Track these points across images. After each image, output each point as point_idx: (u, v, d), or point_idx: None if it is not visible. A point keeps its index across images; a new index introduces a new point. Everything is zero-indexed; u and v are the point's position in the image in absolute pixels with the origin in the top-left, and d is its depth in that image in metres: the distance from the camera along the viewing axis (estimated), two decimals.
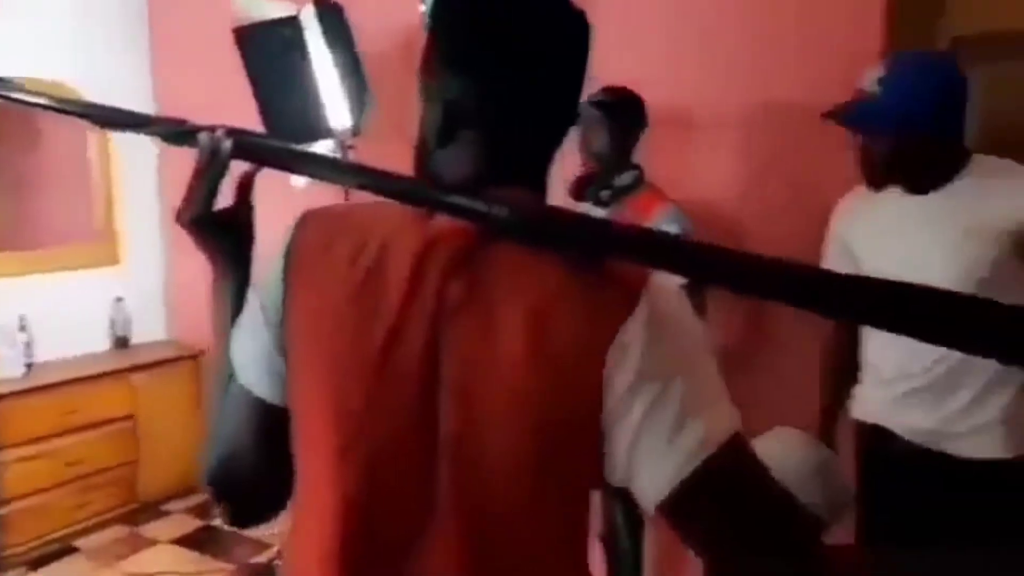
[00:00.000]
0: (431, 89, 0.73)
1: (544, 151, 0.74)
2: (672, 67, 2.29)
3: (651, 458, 0.61)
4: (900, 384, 1.62)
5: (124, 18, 3.60)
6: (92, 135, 3.48)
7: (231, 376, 0.76)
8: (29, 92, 0.97)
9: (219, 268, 0.84)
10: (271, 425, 0.73)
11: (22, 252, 3.26)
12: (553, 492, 0.65)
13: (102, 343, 3.52)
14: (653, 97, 2.06)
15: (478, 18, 0.71)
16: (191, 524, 3.26)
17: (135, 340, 3.60)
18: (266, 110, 2.60)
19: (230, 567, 2.97)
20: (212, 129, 0.82)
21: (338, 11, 2.63)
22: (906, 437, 1.63)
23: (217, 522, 3.28)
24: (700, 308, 1.77)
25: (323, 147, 2.72)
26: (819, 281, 0.59)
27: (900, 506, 1.61)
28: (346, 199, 2.55)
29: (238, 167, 0.83)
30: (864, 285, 0.58)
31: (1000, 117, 1.92)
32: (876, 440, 1.68)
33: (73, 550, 3.05)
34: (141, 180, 3.65)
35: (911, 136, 1.51)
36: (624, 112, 2.04)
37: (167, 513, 3.34)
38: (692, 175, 2.31)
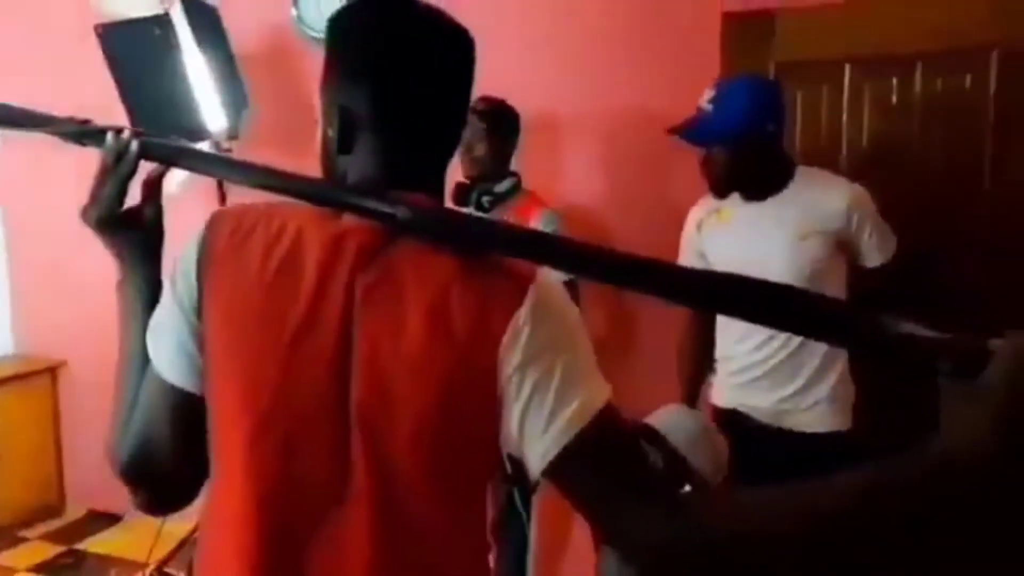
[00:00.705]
0: (331, 98, 0.79)
1: (439, 157, 0.81)
2: (538, 77, 2.44)
3: (537, 429, 0.70)
4: (749, 372, 1.86)
5: None
6: None
7: (147, 367, 0.78)
8: None
9: (126, 266, 0.85)
10: (187, 414, 0.77)
11: None
12: (455, 464, 0.73)
13: None
14: (524, 106, 2.19)
15: (374, 33, 0.78)
16: (51, 550, 3.05)
17: None
18: (135, 111, 2.50)
19: None
20: (119, 130, 0.83)
21: (209, 10, 2.57)
22: (754, 417, 1.85)
23: (81, 545, 3.09)
24: (575, 299, 1.91)
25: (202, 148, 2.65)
26: (672, 274, 0.71)
27: (752, 476, 1.82)
28: (222, 202, 2.50)
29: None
30: (708, 277, 0.71)
31: (814, 132, 2.20)
32: (731, 421, 1.89)
33: None
34: None
35: (741, 148, 1.74)
36: (502, 121, 2.16)
37: (24, 539, 3.10)
38: (563, 181, 2.47)
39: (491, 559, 0.87)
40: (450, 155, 0.82)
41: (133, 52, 2.50)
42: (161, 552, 2.63)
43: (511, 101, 2.17)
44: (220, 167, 0.84)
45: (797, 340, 1.73)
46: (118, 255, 0.86)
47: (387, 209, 0.72)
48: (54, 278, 3.39)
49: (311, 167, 0.83)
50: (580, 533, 2.39)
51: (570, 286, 1.14)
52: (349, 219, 0.74)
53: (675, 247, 2.01)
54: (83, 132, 0.86)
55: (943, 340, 0.56)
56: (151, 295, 0.83)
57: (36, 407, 3.33)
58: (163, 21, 2.48)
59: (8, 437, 3.16)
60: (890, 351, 0.59)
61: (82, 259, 3.29)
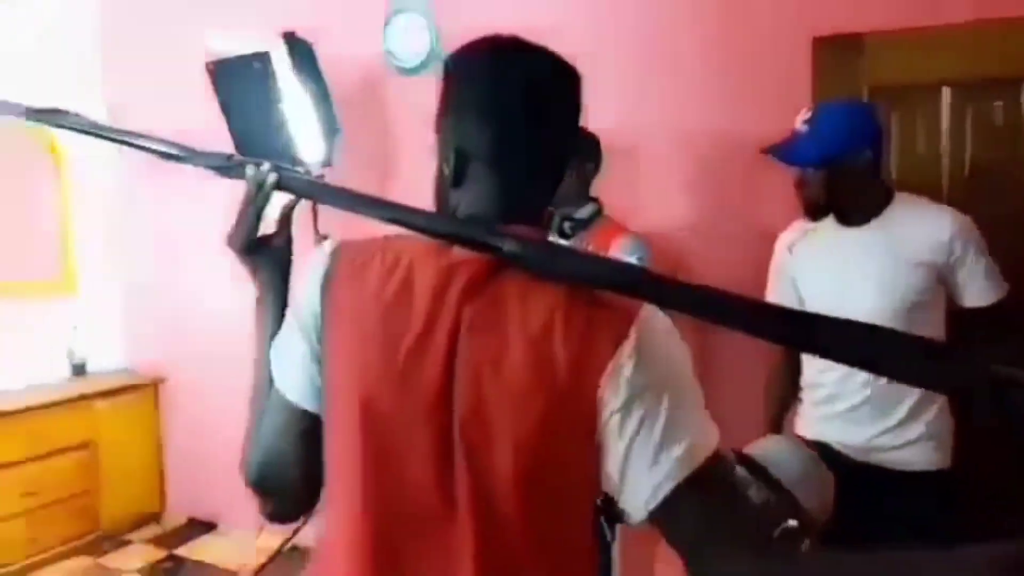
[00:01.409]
0: (446, 134, 0.83)
1: (547, 191, 0.84)
2: (625, 101, 2.45)
3: (641, 471, 0.70)
4: (838, 403, 1.78)
5: (79, 57, 3.60)
6: (56, 172, 3.48)
7: (271, 385, 0.84)
8: (88, 124, 1.05)
9: (261, 286, 0.92)
10: (308, 431, 0.82)
11: None
12: (554, 496, 0.73)
13: (60, 371, 3.48)
14: (605, 130, 2.20)
15: (489, 72, 0.81)
16: (155, 554, 3.23)
17: (93, 368, 3.57)
18: (239, 141, 2.66)
19: None
20: (258, 163, 0.90)
21: (307, 46, 2.72)
22: (846, 453, 1.77)
23: (180, 551, 3.26)
24: None
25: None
26: (761, 311, 0.71)
27: (843, 514, 1.74)
28: (315, 227, 2.62)
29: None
30: (797, 316, 0.70)
31: (910, 158, 2.11)
32: (819, 455, 1.82)
33: None
34: (98, 211, 3.64)
35: (836, 170, 1.68)
36: (582, 147, 2.17)
37: (129, 543, 3.30)
38: (644, 206, 2.46)
39: None
40: (556, 189, 0.85)
41: (238, 86, 2.67)
42: (256, 561, 2.74)
43: (593, 125, 2.18)
44: (343, 199, 0.87)
45: None
46: (254, 276, 0.93)
47: (495, 242, 0.75)
48: (160, 301, 3.62)
49: (397, 191, 0.87)
50: (664, 569, 2.35)
51: None
52: (459, 252, 0.77)
53: (763, 273, 1.97)
54: (228, 165, 0.93)
55: None
56: (280, 313, 0.89)
57: (141, 419, 3.56)
58: (264, 58, 2.64)
59: (116, 446, 3.38)
60: (994, 399, 0.58)
61: (183, 285, 3.55)
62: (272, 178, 0.89)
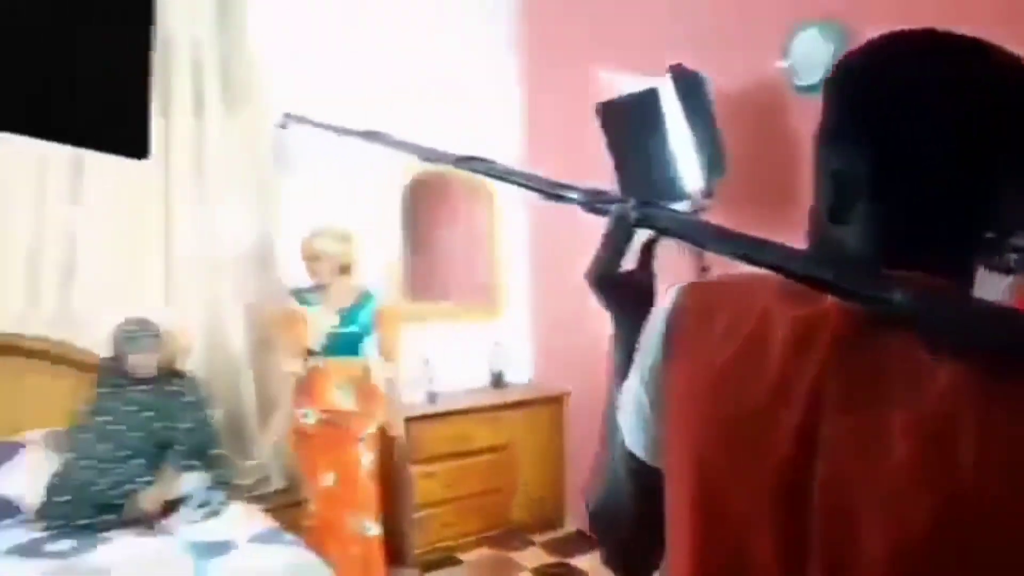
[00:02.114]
0: (824, 159, 0.69)
1: (960, 231, 0.63)
2: None
3: None
4: None
5: (501, 95, 4.17)
6: (489, 211, 4.11)
7: (617, 429, 0.82)
8: (499, 169, 1.15)
9: (617, 323, 0.90)
10: (646, 482, 0.77)
11: (431, 303, 3.96)
12: None
13: (483, 381, 4.06)
14: None
15: (882, 81, 0.65)
16: (547, 559, 3.53)
17: (509, 380, 4.08)
18: (622, 176, 2.77)
19: None
20: (624, 200, 0.88)
21: (696, 81, 2.69)
22: None
23: (572, 561, 3.50)
24: None
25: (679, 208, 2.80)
26: None
27: None
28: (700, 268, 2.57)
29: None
30: None
31: None
32: None
33: (456, 562, 3.54)
34: (518, 246, 4.16)
35: None
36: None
37: (532, 543, 3.66)
38: None
39: None
40: (981, 231, 0.63)
41: (624, 124, 2.78)
42: None
43: None
44: (708, 238, 0.78)
45: None
46: (611, 311, 0.90)
47: (879, 293, 0.57)
48: (566, 321, 3.97)
49: (790, 224, 0.76)
50: None
51: None
52: (831, 300, 0.62)
53: None
54: (595, 201, 0.93)
55: None
56: (632, 352, 0.85)
57: (548, 430, 3.93)
58: (651, 94, 2.70)
59: (526, 453, 3.80)
60: None
61: (588, 312, 3.83)
62: (633, 214, 0.84)
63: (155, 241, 3.18)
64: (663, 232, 0.83)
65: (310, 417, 2.97)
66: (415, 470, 3.47)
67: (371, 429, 3.04)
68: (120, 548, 2.42)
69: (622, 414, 0.80)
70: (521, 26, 4.19)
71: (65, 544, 2.44)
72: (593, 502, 0.83)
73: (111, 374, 2.84)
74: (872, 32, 0.68)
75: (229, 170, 3.31)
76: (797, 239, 0.71)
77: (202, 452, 2.89)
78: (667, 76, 2.68)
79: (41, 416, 2.84)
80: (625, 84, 2.94)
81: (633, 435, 0.78)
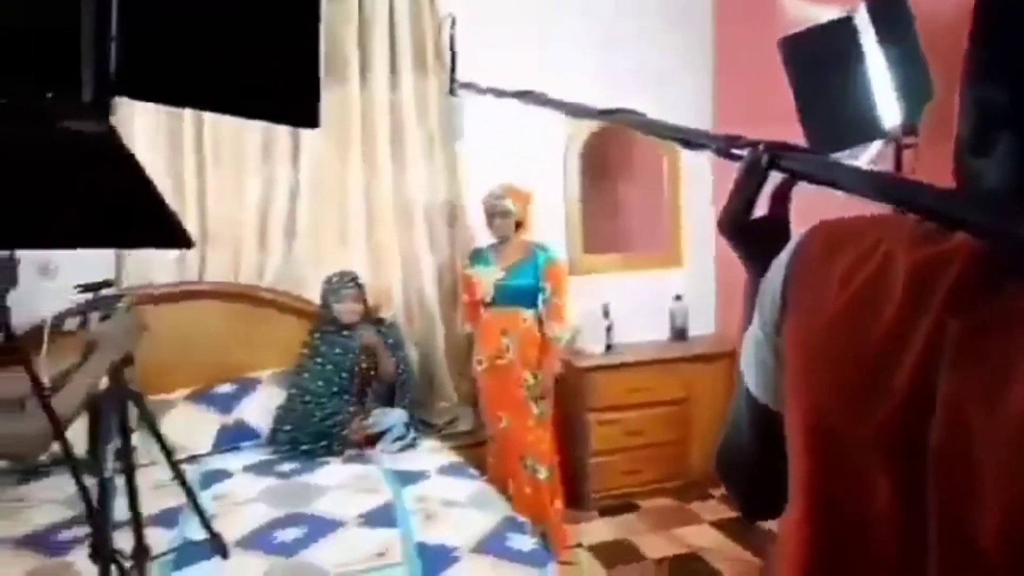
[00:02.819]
0: (968, 87, 0.63)
1: None
2: None
3: None
4: None
5: (689, 42, 4.00)
6: (666, 162, 4.02)
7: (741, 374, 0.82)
8: (643, 121, 1.14)
9: (750, 273, 0.88)
10: (767, 427, 0.76)
11: (612, 255, 3.99)
12: None
13: (663, 333, 4.02)
14: None
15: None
16: (727, 512, 3.48)
17: (691, 333, 4.01)
18: (807, 116, 2.57)
19: (759, 562, 3.07)
20: (756, 144, 0.85)
21: (897, 4, 2.42)
22: None
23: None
24: None
25: (872, 150, 2.56)
26: None
27: None
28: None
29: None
30: None
31: None
32: None
33: (633, 508, 3.61)
34: (699, 195, 4.02)
35: None
36: None
37: (710, 496, 3.63)
38: None
39: None
40: None
41: (811, 58, 2.56)
42: None
43: None
44: (845, 178, 0.73)
45: None
46: (743, 262, 0.89)
47: (1014, 230, 0.52)
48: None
49: None
50: None
51: None
52: (960, 238, 0.59)
53: None
54: (729, 146, 0.91)
55: None
56: None
57: (728, 384, 3.83)
58: (845, 23, 2.46)
59: (706, 407, 3.73)
60: None
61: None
62: (764, 158, 0.81)
63: (358, 200, 3.49)
64: (798, 175, 0.80)
65: (483, 363, 3.17)
66: (592, 418, 3.56)
67: (538, 377, 3.15)
68: (332, 472, 2.77)
69: (744, 359, 0.79)
70: None
71: (288, 466, 2.84)
72: (718, 451, 0.83)
73: (323, 321, 3.21)
74: None
75: (420, 133, 3.53)
76: None
77: (400, 392, 3.19)
78: (862, 1, 2.43)
79: (271, 357, 3.28)
80: (815, 14, 2.71)
81: (755, 380, 0.78)
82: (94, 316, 1.90)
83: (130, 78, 0.62)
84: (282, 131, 3.33)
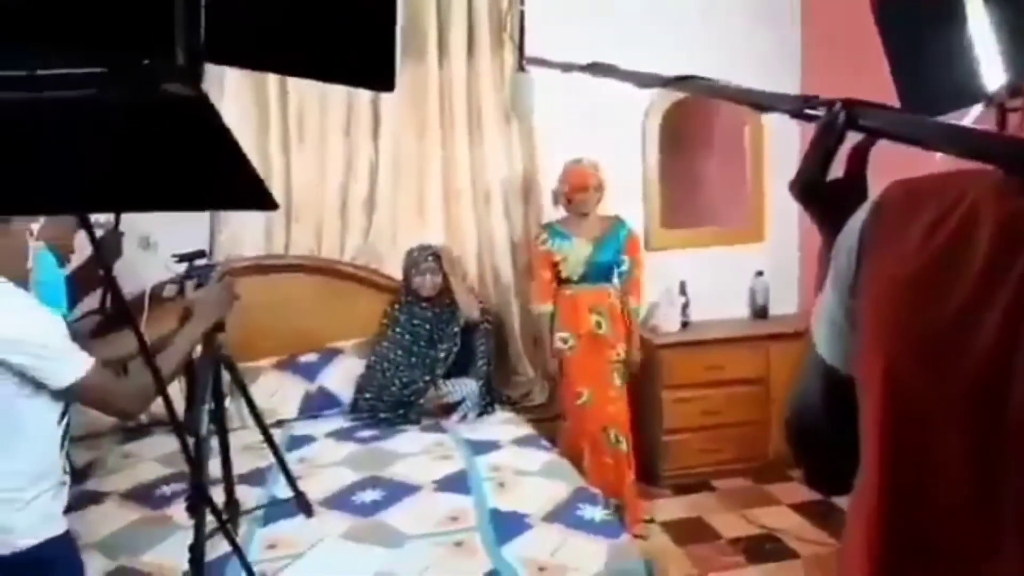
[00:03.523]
0: None
1: None
2: None
3: None
4: None
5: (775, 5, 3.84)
6: (748, 133, 3.89)
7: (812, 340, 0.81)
8: (705, 87, 1.10)
9: (825, 237, 0.85)
10: (838, 392, 0.75)
11: (688, 230, 3.91)
12: None
13: (743, 311, 3.92)
14: None
15: None
16: (808, 494, 3.38)
17: (772, 311, 3.89)
18: (901, 78, 2.43)
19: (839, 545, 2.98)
20: (831, 103, 0.81)
21: None
22: None
23: (837, 500, 3.32)
24: None
25: (973, 113, 2.41)
26: None
27: None
28: None
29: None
30: None
31: None
32: None
33: (708, 487, 3.56)
34: (784, 167, 3.87)
35: None
36: None
37: (789, 479, 3.54)
38: None
39: None
40: None
41: (906, 16, 2.42)
42: None
43: None
44: (928, 134, 0.72)
45: None
46: (818, 225, 0.86)
47: None
48: None
49: None
50: None
51: None
52: None
53: None
54: (804, 107, 0.86)
55: None
56: None
57: None
58: None
59: (784, 388, 3.63)
60: None
61: None
62: (841, 117, 0.78)
63: (435, 177, 3.54)
64: (879, 133, 0.77)
65: (570, 341, 3.17)
66: (667, 395, 3.52)
67: (622, 353, 3.16)
68: (410, 439, 2.85)
69: (815, 323, 0.78)
70: None
71: (368, 432, 2.94)
72: (788, 421, 0.82)
73: (403, 294, 3.29)
74: None
75: (496, 108, 3.54)
76: None
77: (476, 364, 3.24)
78: None
79: (352, 329, 3.39)
80: None
81: (827, 344, 0.76)
82: (189, 284, 2.02)
83: (217, 44, 0.65)
84: (363, 108, 3.40)
